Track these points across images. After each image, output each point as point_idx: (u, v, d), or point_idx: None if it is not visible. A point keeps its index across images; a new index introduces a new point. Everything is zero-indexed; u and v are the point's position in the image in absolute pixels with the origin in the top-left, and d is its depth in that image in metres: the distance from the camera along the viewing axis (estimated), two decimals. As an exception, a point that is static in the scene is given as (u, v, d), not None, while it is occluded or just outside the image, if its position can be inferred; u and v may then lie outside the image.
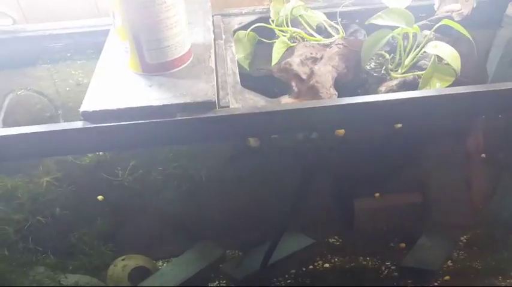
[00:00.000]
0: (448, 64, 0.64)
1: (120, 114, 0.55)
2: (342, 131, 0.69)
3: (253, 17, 0.86)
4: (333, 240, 1.11)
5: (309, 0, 0.84)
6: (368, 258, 1.08)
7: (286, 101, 0.64)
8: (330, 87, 0.64)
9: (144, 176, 0.73)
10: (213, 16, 0.85)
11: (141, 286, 0.96)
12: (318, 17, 0.81)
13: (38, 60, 0.82)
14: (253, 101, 0.61)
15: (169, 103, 0.55)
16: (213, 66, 0.64)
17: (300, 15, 0.80)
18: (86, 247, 0.81)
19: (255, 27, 0.79)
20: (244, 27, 0.81)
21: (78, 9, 0.91)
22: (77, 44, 0.84)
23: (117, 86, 0.59)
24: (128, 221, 0.85)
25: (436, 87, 0.62)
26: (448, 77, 0.63)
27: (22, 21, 0.90)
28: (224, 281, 1.02)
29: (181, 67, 0.62)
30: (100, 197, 0.76)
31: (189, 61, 0.64)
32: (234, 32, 0.80)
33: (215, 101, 0.56)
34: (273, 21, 0.81)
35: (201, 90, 0.58)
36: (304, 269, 1.07)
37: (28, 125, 0.54)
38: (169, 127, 0.55)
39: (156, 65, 0.60)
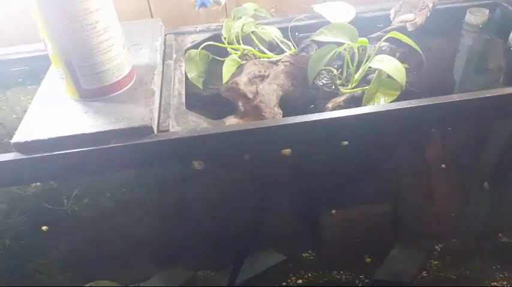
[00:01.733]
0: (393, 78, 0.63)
1: (52, 143, 0.53)
2: (288, 151, 0.68)
3: (207, 35, 0.85)
4: (306, 255, 1.09)
5: (260, 17, 0.83)
6: (342, 272, 1.07)
7: (231, 122, 0.62)
8: (274, 106, 0.62)
9: (92, 203, 0.71)
10: (165, 35, 0.85)
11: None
12: (271, 33, 0.80)
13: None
14: (195, 124, 0.60)
15: (103, 130, 0.54)
16: (155, 88, 0.63)
17: (251, 32, 0.80)
18: (43, 277, 0.78)
19: (209, 44, 0.79)
20: (197, 46, 0.80)
21: (31, 34, 0.90)
22: (30, 69, 0.83)
23: (53, 114, 0.58)
24: (85, 249, 0.82)
25: (381, 103, 0.61)
26: (393, 91, 0.62)
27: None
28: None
29: (120, 91, 0.61)
30: (44, 228, 0.74)
31: (129, 84, 0.62)
32: (186, 50, 0.79)
33: (151, 126, 0.55)
34: (225, 38, 0.81)
35: (139, 114, 0.57)
36: (276, 286, 1.05)
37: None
38: (104, 154, 0.54)
39: (93, 90, 0.59)
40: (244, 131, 0.55)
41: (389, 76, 0.65)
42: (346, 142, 0.70)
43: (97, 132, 0.54)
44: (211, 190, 0.77)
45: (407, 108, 0.57)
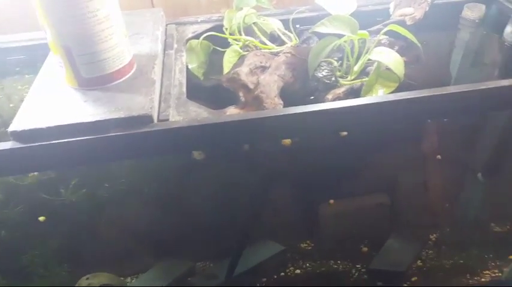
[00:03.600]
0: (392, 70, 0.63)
1: (51, 132, 0.53)
2: (288, 141, 0.69)
3: (208, 25, 0.84)
4: (304, 245, 1.10)
5: (262, 9, 0.83)
6: (339, 262, 1.08)
7: (232, 112, 0.62)
8: (275, 97, 0.63)
9: (90, 194, 0.71)
10: (167, 25, 0.84)
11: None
12: (272, 25, 0.80)
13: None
14: (196, 113, 0.60)
15: (102, 119, 0.54)
16: (156, 77, 0.63)
17: (253, 23, 0.79)
18: (40, 268, 0.78)
19: (210, 35, 0.78)
20: (198, 36, 0.79)
21: (29, 21, 0.89)
22: (28, 58, 0.82)
23: (52, 103, 0.57)
24: (83, 241, 0.82)
25: (379, 94, 0.61)
26: (392, 83, 0.62)
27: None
28: (189, 287, 1.00)
29: (120, 80, 0.61)
30: (41, 218, 0.74)
31: (130, 73, 0.62)
32: (187, 41, 0.79)
33: (151, 115, 0.55)
34: (226, 29, 0.80)
35: (138, 103, 0.56)
36: (275, 276, 1.06)
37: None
38: (103, 144, 0.53)
39: (92, 79, 0.58)
40: (245, 121, 0.55)
41: (388, 68, 0.65)
42: (345, 133, 0.70)
43: (96, 121, 0.53)
44: (211, 180, 0.77)
45: (405, 99, 0.58)
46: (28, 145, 0.52)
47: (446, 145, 0.88)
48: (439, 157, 0.87)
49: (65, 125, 0.53)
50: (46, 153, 0.52)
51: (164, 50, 0.75)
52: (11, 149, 0.52)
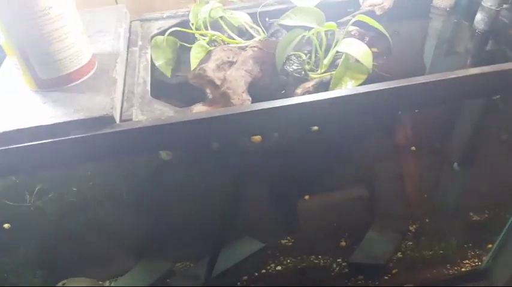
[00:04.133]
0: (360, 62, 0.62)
1: (10, 136, 0.50)
2: (258, 138, 0.67)
3: (174, 21, 0.82)
4: (285, 241, 1.10)
5: (228, 2, 0.81)
6: (320, 256, 1.08)
7: (199, 110, 0.61)
8: (243, 92, 0.61)
9: (58, 198, 0.69)
10: (131, 22, 0.81)
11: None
12: (240, 19, 0.79)
13: None
14: (161, 112, 0.58)
15: (62, 121, 0.51)
16: (118, 76, 0.60)
17: (220, 17, 0.78)
18: (11, 277, 0.75)
19: (177, 31, 0.76)
20: (164, 33, 0.77)
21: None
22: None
23: (9, 106, 0.55)
24: (54, 246, 0.80)
25: (348, 86, 0.61)
26: (360, 75, 0.61)
27: None
28: (173, 287, 0.98)
29: (80, 80, 0.58)
30: (6, 225, 0.71)
31: (90, 73, 0.60)
32: (152, 37, 0.77)
33: (113, 115, 0.53)
34: (192, 24, 0.78)
35: (99, 104, 0.54)
36: (256, 274, 1.05)
37: None
38: (64, 146, 0.51)
39: (50, 80, 0.56)
40: (211, 118, 0.54)
41: (357, 60, 0.64)
42: (316, 127, 0.69)
43: (56, 123, 0.51)
44: (182, 180, 0.75)
45: (375, 91, 0.57)
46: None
47: (421, 136, 0.88)
48: (413, 148, 0.87)
49: (24, 128, 0.50)
50: (6, 158, 0.50)
51: (128, 47, 0.72)
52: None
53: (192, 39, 0.77)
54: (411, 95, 0.60)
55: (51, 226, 0.74)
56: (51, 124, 0.51)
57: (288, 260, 1.07)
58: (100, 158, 0.54)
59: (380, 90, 0.58)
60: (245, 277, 1.04)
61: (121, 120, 0.55)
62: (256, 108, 0.55)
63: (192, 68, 0.71)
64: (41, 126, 0.51)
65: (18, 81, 0.59)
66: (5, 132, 0.51)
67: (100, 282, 0.98)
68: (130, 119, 0.55)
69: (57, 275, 0.85)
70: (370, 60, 0.61)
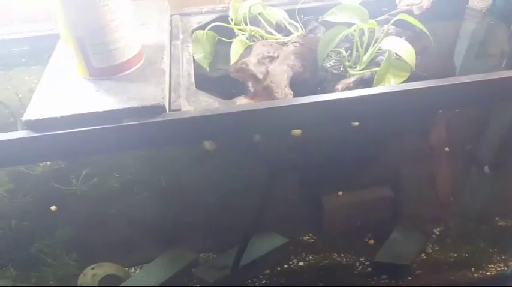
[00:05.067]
0: (403, 59, 0.63)
1: (64, 122, 0.53)
2: (298, 131, 0.68)
3: (213, 16, 0.84)
4: (307, 238, 1.10)
5: (268, -2, 0.82)
6: (342, 254, 1.08)
7: (242, 102, 0.62)
8: (285, 87, 0.62)
9: (101, 184, 0.71)
10: (171, 16, 0.83)
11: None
12: (278, 15, 0.80)
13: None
14: (207, 103, 0.60)
15: (116, 108, 0.53)
16: (165, 68, 0.62)
17: (259, 13, 0.79)
18: (48, 258, 0.78)
19: (216, 26, 0.78)
20: (204, 27, 0.79)
21: (34, 13, 0.88)
22: (33, 49, 0.81)
23: (64, 93, 0.57)
24: (90, 230, 0.82)
25: (391, 83, 0.61)
26: (403, 73, 0.62)
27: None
28: (197, 286, 1.00)
29: (130, 70, 0.60)
30: (53, 208, 0.74)
31: (139, 64, 0.62)
32: (193, 31, 0.79)
33: (164, 105, 0.55)
34: (232, 19, 0.80)
35: (150, 93, 0.56)
36: (278, 268, 1.06)
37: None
38: (115, 133, 0.53)
39: (103, 69, 0.58)
40: (257, 110, 0.55)
41: (398, 58, 0.65)
42: (356, 123, 0.70)
43: (109, 110, 0.53)
44: (220, 171, 0.77)
45: (419, 89, 0.58)
46: (42, 134, 0.52)
47: (453, 137, 0.88)
48: (447, 149, 0.87)
49: (79, 114, 0.53)
50: (59, 142, 0.52)
51: (171, 40, 0.74)
52: (24, 138, 0.52)
53: (230, 34, 0.79)
54: (452, 94, 0.61)
55: (91, 211, 0.77)
56: (105, 111, 0.53)
57: (311, 257, 1.08)
58: (148, 147, 0.56)
59: (423, 88, 0.58)
60: (267, 271, 1.06)
61: (170, 110, 0.57)
62: (301, 102, 0.56)
63: (232, 62, 0.72)
64: (96, 112, 0.53)
65: (70, 70, 0.61)
66: (62, 117, 0.53)
67: (126, 268, 1.00)
68: (179, 110, 0.57)
69: (89, 258, 0.87)
70: (413, 58, 0.62)
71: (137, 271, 1.01)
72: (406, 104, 0.60)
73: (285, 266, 1.06)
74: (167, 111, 0.56)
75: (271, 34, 0.77)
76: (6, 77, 0.77)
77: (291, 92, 0.63)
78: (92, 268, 0.93)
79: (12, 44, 0.81)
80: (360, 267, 1.07)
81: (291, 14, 0.81)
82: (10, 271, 0.77)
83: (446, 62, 0.81)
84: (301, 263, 1.07)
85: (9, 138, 0.53)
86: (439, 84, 0.58)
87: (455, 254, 1.07)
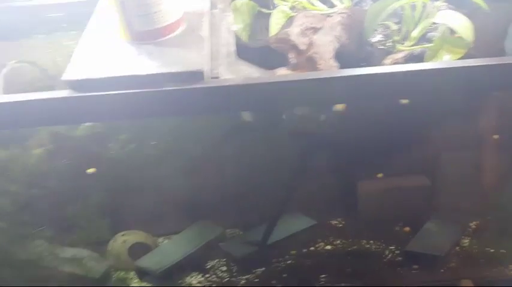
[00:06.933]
0: (459, 36, 0.58)
1: (105, 83, 0.52)
2: (341, 106, 0.66)
3: (253, -14, 0.81)
4: (335, 222, 1.08)
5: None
6: (371, 241, 1.06)
7: (283, 73, 0.60)
8: (330, 58, 0.60)
9: (137, 150, 0.71)
10: (211, -16, 0.81)
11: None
12: (322, -14, 0.76)
13: (33, 31, 0.80)
14: (247, 73, 0.58)
15: (157, 72, 0.53)
16: (206, 35, 0.61)
17: (302, -16, 0.76)
18: (82, 221, 0.80)
19: (254, -5, 0.75)
20: (243, -4, 0.76)
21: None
22: (73, 15, 0.82)
23: (104, 55, 0.57)
24: (124, 197, 0.83)
25: (444, 60, 0.57)
26: (459, 49, 0.58)
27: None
28: (224, 260, 1.01)
29: (171, 35, 0.59)
30: (91, 170, 0.75)
31: (180, 29, 0.61)
32: (232, 0, 0.76)
33: (203, 71, 0.53)
34: (273, -11, 0.77)
35: (191, 59, 0.55)
36: (305, 250, 1.05)
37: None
38: (156, 97, 0.53)
39: (145, 32, 0.57)
40: (302, 81, 0.53)
41: (452, 34, 0.60)
42: (405, 101, 0.67)
43: (150, 74, 0.53)
44: (255, 145, 0.75)
45: (474, 66, 0.53)
46: (84, 95, 0.52)
47: (504, 124, 0.82)
48: (496, 136, 0.82)
49: (119, 76, 0.52)
50: (100, 103, 0.52)
51: (210, 8, 0.72)
52: (66, 98, 0.52)
53: (269, 5, 0.76)
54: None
55: (126, 177, 0.78)
56: (146, 74, 0.53)
57: (338, 241, 1.06)
58: (187, 113, 0.55)
59: (479, 66, 0.54)
60: (293, 251, 1.05)
61: (210, 78, 0.55)
62: (347, 74, 0.54)
63: (271, 34, 0.70)
64: (137, 75, 0.53)
65: (109, 33, 0.61)
66: (101, 78, 0.52)
67: (155, 238, 1.02)
68: (218, 77, 0.56)
69: (121, 224, 0.89)
70: (471, 34, 0.57)
71: (165, 241, 1.03)
72: (460, 82, 0.56)
73: (312, 248, 1.05)
74: (207, 78, 0.54)
75: (314, 5, 0.73)
76: (47, 42, 0.78)
77: (337, 64, 0.60)
78: (123, 235, 0.95)
79: (55, 9, 0.82)
80: (390, 255, 1.04)
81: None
82: (45, 231, 0.80)
83: (497, 43, 0.75)
84: (328, 247, 1.06)
85: (50, 97, 0.53)
86: (500, 63, 0.53)
87: (492, 250, 1.03)
